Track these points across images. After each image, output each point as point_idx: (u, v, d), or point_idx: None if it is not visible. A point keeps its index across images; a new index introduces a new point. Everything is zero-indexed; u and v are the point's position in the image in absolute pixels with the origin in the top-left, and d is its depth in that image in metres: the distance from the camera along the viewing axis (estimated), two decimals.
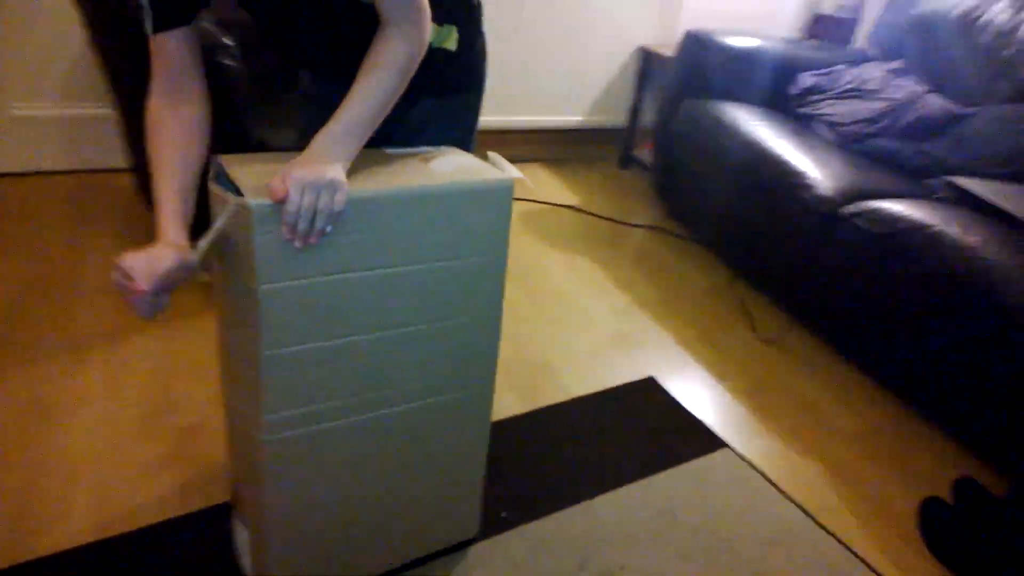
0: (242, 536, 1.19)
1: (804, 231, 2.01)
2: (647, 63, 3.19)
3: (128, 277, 0.87)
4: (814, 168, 2.07)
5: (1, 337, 1.71)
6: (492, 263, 1.09)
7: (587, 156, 3.41)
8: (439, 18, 1.10)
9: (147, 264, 0.87)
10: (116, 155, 2.51)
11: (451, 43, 1.17)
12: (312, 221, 0.87)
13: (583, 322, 2.10)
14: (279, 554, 1.10)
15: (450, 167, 1.06)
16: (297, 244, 0.89)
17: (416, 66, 0.99)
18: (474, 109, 1.33)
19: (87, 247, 2.10)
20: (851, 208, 1.91)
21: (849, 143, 2.40)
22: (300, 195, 0.86)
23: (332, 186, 0.88)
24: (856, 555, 1.42)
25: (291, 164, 0.90)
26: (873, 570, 1.39)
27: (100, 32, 1.84)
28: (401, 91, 0.98)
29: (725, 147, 2.32)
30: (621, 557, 1.37)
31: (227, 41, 1.66)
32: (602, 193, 3.05)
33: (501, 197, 1.06)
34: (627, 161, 3.38)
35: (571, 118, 3.23)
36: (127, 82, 1.83)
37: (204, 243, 0.93)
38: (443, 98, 1.25)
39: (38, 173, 2.46)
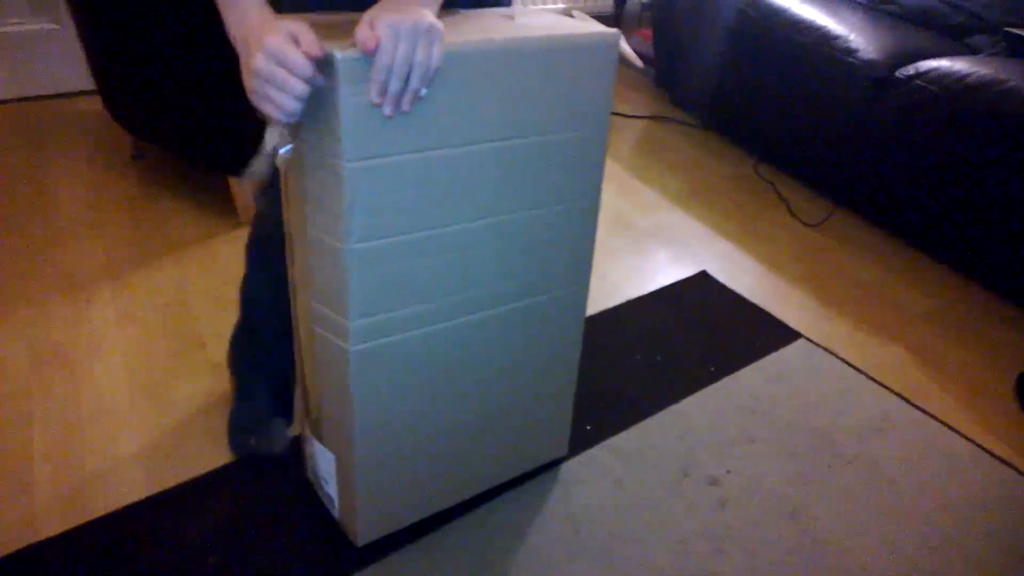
0: (324, 460, 1.03)
1: (849, 101, 1.86)
2: None
3: (284, 61, 0.68)
4: (855, 31, 1.91)
5: None
6: (594, 138, 0.93)
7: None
8: None
9: (296, 33, 0.69)
10: (68, 77, 2.20)
11: None
12: (407, 79, 0.70)
13: (617, 221, 1.94)
14: (370, 477, 0.97)
15: (541, 23, 0.88)
16: (387, 111, 0.72)
17: None
18: None
19: (57, 178, 1.84)
20: (908, 69, 1.76)
21: (879, 4, 2.23)
22: (394, 44, 0.68)
23: (430, 33, 0.70)
24: (963, 436, 1.34)
25: (378, 8, 0.71)
26: (985, 450, 1.31)
27: None
28: None
29: (747, 18, 2.13)
30: (722, 460, 1.26)
31: None
32: None
33: (607, 55, 0.89)
34: None
35: (552, 6, 2.97)
36: None
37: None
38: None
39: None
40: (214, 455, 1.17)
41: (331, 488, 1.05)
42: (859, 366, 1.50)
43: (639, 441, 1.29)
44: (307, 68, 0.68)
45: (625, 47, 0.89)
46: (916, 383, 1.47)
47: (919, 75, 1.73)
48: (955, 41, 2.03)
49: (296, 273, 0.92)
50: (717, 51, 2.30)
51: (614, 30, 0.89)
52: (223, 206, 1.78)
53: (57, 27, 2.13)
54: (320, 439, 1.02)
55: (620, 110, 2.61)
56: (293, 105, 0.70)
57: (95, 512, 1.07)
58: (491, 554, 1.07)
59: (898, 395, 1.43)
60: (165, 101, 1.62)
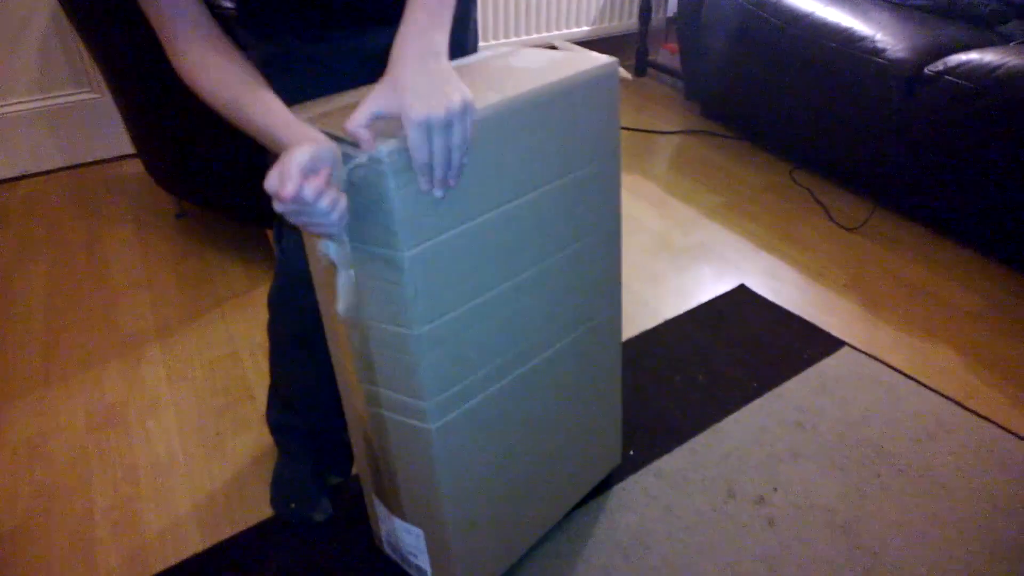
0: (409, 535, 1.02)
1: (881, 101, 1.83)
2: None
3: (289, 191, 0.65)
4: (881, 30, 1.88)
5: (48, 347, 1.56)
6: (608, 169, 0.95)
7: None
8: None
9: (287, 164, 0.66)
10: (112, 142, 2.31)
11: None
12: (449, 161, 0.69)
13: (652, 240, 1.94)
14: (464, 543, 0.97)
15: (536, 63, 0.90)
16: (437, 193, 0.72)
17: None
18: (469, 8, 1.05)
19: (107, 242, 1.93)
20: (937, 66, 1.73)
21: (904, 0, 2.19)
22: (429, 141, 0.67)
23: (464, 115, 0.67)
24: (1020, 437, 1.30)
25: (402, 90, 0.67)
26: None
27: (84, 11, 1.62)
28: None
29: (772, 26, 2.12)
30: (769, 478, 1.24)
31: None
32: (626, 105, 2.85)
33: (609, 84, 0.90)
34: (643, 67, 3.17)
35: (578, 30, 2.99)
36: (118, 52, 1.63)
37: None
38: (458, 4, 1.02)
39: (32, 175, 2.27)
40: (268, 506, 1.20)
41: (421, 561, 1.04)
42: (907, 371, 1.46)
43: (683, 463, 1.27)
44: (328, 215, 0.67)
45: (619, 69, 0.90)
46: (968, 385, 1.42)
47: (948, 70, 1.69)
48: (986, 30, 1.98)
49: (353, 360, 0.90)
50: (744, 61, 2.29)
51: (612, 59, 0.90)
52: (265, 257, 1.84)
53: (98, 96, 2.24)
54: (403, 517, 1.00)
55: (652, 127, 2.61)
56: (334, 219, 0.69)
57: (156, 568, 1.11)
58: None
59: (950, 399, 1.38)
60: (201, 161, 1.69)
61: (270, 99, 0.75)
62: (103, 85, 2.20)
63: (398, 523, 1.02)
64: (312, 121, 0.76)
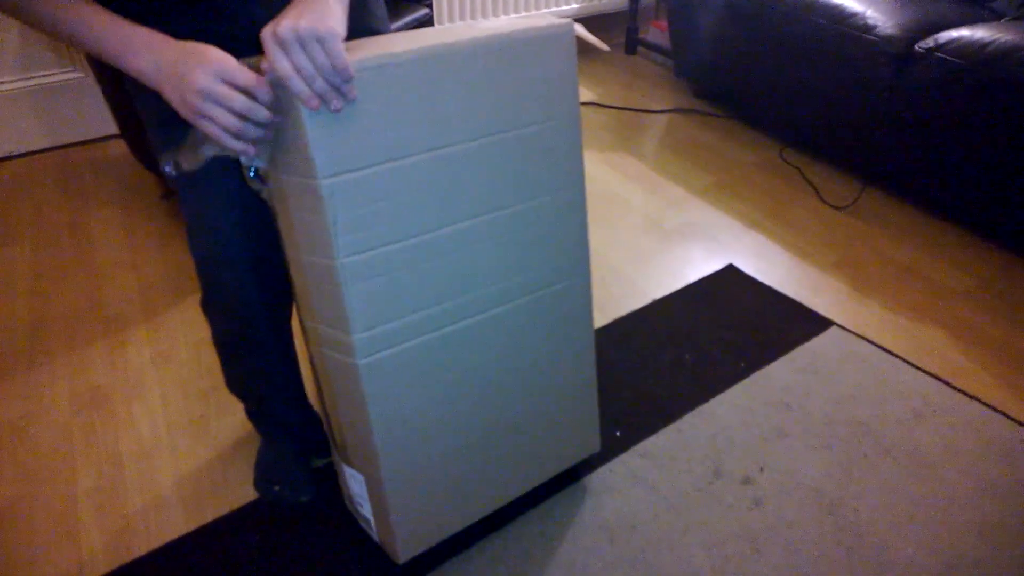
0: (355, 482, 1.05)
1: (871, 78, 1.82)
2: None
3: (224, 95, 0.71)
4: (871, 7, 1.86)
5: (33, 328, 1.54)
6: (564, 126, 0.95)
7: (590, 47, 3.16)
8: None
9: (221, 75, 0.71)
10: (96, 122, 2.28)
11: None
12: (316, 79, 0.71)
13: (641, 220, 1.93)
14: (400, 491, 0.98)
15: (500, 24, 0.91)
16: (312, 104, 0.72)
17: None
18: None
19: (92, 223, 1.91)
20: (927, 42, 1.71)
21: None
22: (285, 55, 0.70)
23: (320, 35, 0.70)
24: (1008, 416, 1.30)
25: (280, 16, 0.72)
26: None
27: None
28: None
29: (760, 3, 2.10)
30: (756, 457, 1.24)
31: None
32: (616, 84, 2.82)
33: (564, 46, 0.91)
34: (633, 45, 3.14)
35: (567, 8, 2.96)
36: None
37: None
38: None
39: (17, 156, 2.24)
40: (252, 489, 1.20)
41: (366, 510, 1.06)
42: (896, 351, 1.46)
43: (670, 444, 1.27)
44: (252, 80, 0.71)
45: (584, 33, 0.92)
46: (957, 365, 1.42)
47: (939, 47, 1.68)
48: (977, 6, 1.97)
49: (298, 300, 0.94)
50: (733, 39, 2.27)
51: (567, 20, 0.91)
52: None
53: (82, 75, 2.20)
54: (349, 463, 1.03)
55: (641, 106, 2.59)
56: (254, 139, 0.73)
57: (140, 550, 1.11)
58: (527, 569, 1.07)
59: (938, 378, 1.38)
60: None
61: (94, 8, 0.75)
62: (87, 65, 2.16)
63: (346, 470, 1.04)
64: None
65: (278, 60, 0.70)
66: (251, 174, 0.84)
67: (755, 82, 2.24)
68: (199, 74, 0.70)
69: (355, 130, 0.78)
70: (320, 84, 0.71)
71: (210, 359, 1.47)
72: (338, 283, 0.83)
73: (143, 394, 1.39)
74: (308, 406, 1.19)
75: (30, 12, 0.75)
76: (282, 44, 0.69)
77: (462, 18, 2.65)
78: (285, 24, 0.69)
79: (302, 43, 0.69)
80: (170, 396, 1.38)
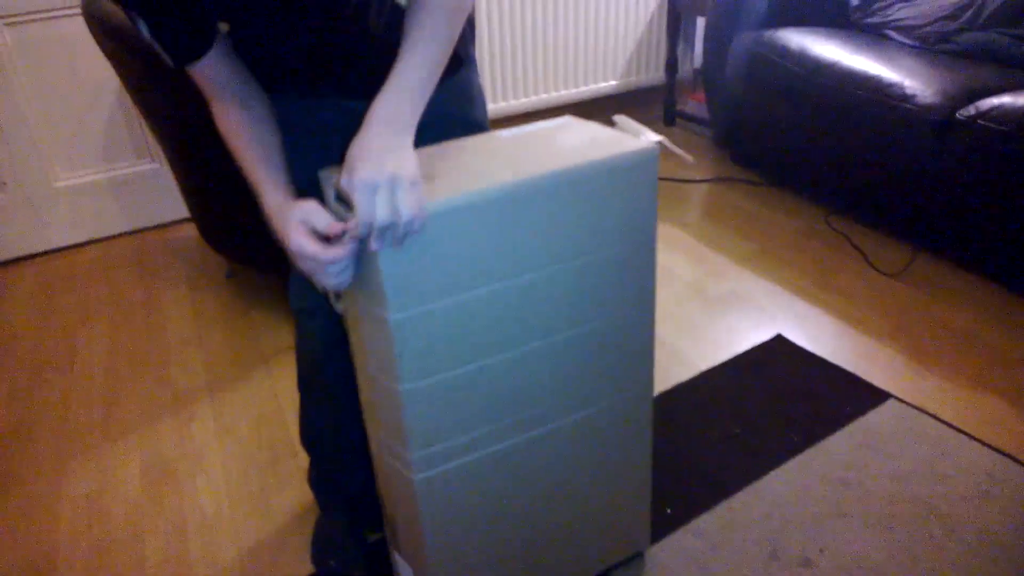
0: (405, 571, 1.07)
1: (914, 146, 1.83)
2: (676, 10, 3.00)
3: (312, 254, 0.77)
4: (909, 76, 1.88)
5: (107, 404, 1.63)
6: (639, 250, 0.93)
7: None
8: None
9: (306, 223, 0.77)
10: (170, 208, 2.43)
11: None
12: (395, 224, 0.73)
13: (686, 290, 1.94)
14: None
15: (579, 140, 0.90)
16: (374, 246, 0.75)
17: (469, 5, 0.83)
18: (476, 75, 1.09)
19: (163, 301, 2.02)
20: (969, 110, 1.72)
21: (932, 45, 2.19)
22: (372, 207, 0.71)
23: (406, 184, 0.72)
24: None
25: (352, 158, 0.74)
26: None
27: (136, 83, 1.74)
28: (455, 37, 0.82)
29: (796, 75, 2.14)
30: (814, 538, 1.22)
31: None
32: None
33: (645, 170, 0.88)
34: (672, 117, 3.20)
35: (606, 84, 3.05)
36: (172, 127, 1.73)
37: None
38: (454, 79, 1.01)
39: (98, 240, 2.40)
40: (309, 562, 1.23)
41: None
42: (957, 424, 1.42)
43: (723, 522, 1.26)
44: (330, 256, 0.76)
45: (669, 145, 0.89)
46: (1022, 437, 1.38)
47: (980, 114, 1.68)
48: (1019, 72, 1.97)
49: (364, 405, 0.98)
50: (771, 109, 2.31)
51: (652, 144, 0.87)
52: None
53: (157, 166, 2.37)
54: (399, 550, 1.06)
55: (682, 176, 2.63)
56: (335, 282, 0.78)
57: None
58: None
59: (1003, 453, 1.34)
60: (247, 225, 1.77)
61: (266, 158, 0.86)
62: (162, 156, 2.32)
63: (397, 557, 1.06)
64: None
65: (364, 210, 0.71)
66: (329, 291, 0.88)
67: (796, 150, 2.27)
68: (291, 233, 0.77)
69: (427, 266, 0.78)
70: (397, 234, 0.73)
71: (270, 433, 1.52)
72: (399, 404, 0.85)
73: (207, 467, 1.45)
74: (370, 477, 1.22)
75: (228, 144, 0.89)
76: (367, 190, 0.71)
77: (504, 89, 2.76)
78: (369, 173, 0.71)
79: (387, 193, 0.71)
80: (232, 469, 1.44)
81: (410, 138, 0.77)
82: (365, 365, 0.90)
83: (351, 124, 0.80)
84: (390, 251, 0.76)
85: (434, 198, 0.77)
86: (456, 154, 0.88)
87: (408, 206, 0.72)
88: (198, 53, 0.84)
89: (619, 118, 0.95)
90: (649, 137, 0.90)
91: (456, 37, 0.82)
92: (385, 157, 0.73)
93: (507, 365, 0.89)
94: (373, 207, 0.71)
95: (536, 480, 1.00)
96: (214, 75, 0.87)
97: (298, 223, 0.77)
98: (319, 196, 0.83)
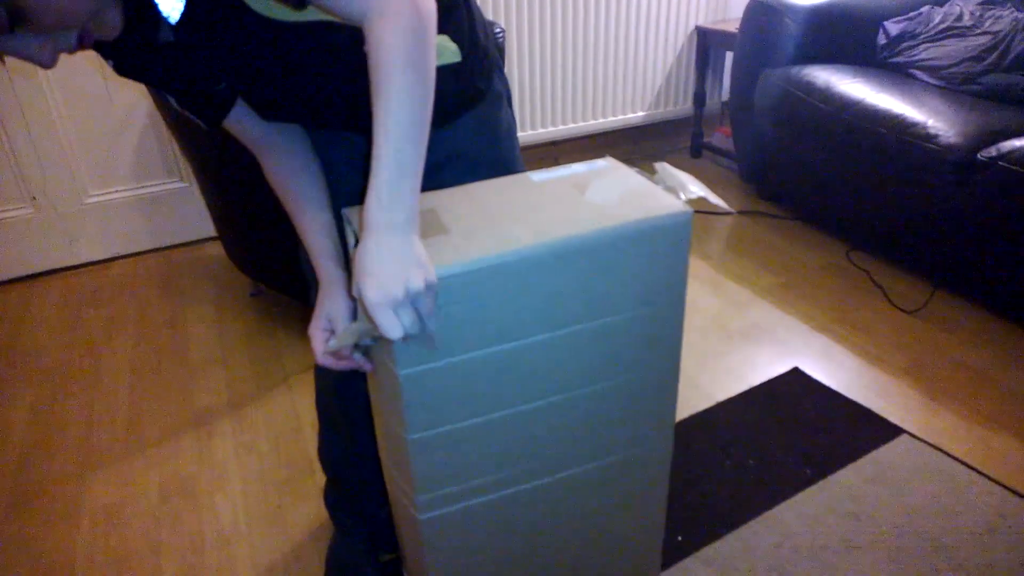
0: None
1: (935, 185, 1.84)
2: (706, 44, 3.05)
3: (325, 364, 0.87)
4: (933, 116, 1.90)
5: (130, 419, 1.67)
6: (668, 311, 0.88)
7: (656, 151, 3.27)
8: None
9: (324, 325, 0.88)
10: (197, 226, 2.50)
11: (449, 55, 0.91)
12: (422, 326, 0.72)
13: (706, 322, 1.96)
14: None
15: (610, 193, 0.85)
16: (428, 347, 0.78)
17: (430, 40, 0.72)
18: (503, 110, 1.05)
19: (188, 319, 2.07)
20: (989, 152, 1.73)
21: (957, 86, 2.21)
22: (395, 314, 0.69)
23: (424, 290, 0.69)
24: None
25: (358, 272, 0.70)
26: None
27: (176, 112, 1.80)
28: (429, 83, 0.73)
29: (822, 112, 2.16)
30: (823, 570, 1.22)
31: None
32: None
33: (678, 233, 0.82)
34: (699, 150, 3.24)
35: (634, 115, 3.10)
36: (202, 148, 1.79)
37: (335, 342, 0.85)
38: (471, 113, 0.99)
39: (125, 256, 2.46)
40: None
41: None
42: (969, 461, 1.42)
43: (733, 551, 1.26)
44: (342, 366, 0.86)
45: (712, 199, 0.84)
46: None
47: (1002, 156, 1.70)
48: None
49: (380, 442, 1.00)
50: (796, 144, 2.33)
51: (687, 207, 0.82)
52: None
53: (186, 185, 2.43)
54: (407, 569, 1.07)
55: (708, 208, 2.65)
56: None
57: None
58: None
59: (1013, 491, 1.34)
60: (272, 244, 1.82)
61: (315, 223, 0.92)
62: (191, 175, 2.39)
63: (405, 570, 1.07)
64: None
65: (390, 330, 0.68)
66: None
67: (820, 185, 2.28)
68: (312, 331, 0.89)
69: (439, 326, 0.76)
70: (422, 334, 0.72)
71: (288, 451, 1.55)
72: (405, 452, 0.85)
73: (225, 484, 1.48)
74: (385, 500, 1.24)
75: (282, 201, 0.96)
76: (384, 311, 0.68)
77: (533, 118, 2.81)
78: (378, 294, 0.67)
79: (405, 308, 0.68)
80: (250, 486, 1.46)
81: (413, 232, 0.71)
82: (380, 410, 0.92)
83: (354, 157, 0.87)
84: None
85: (445, 259, 0.73)
86: (478, 200, 0.85)
87: (429, 311, 0.70)
88: (223, 113, 0.89)
89: (661, 167, 0.90)
90: (689, 190, 0.85)
91: (428, 82, 0.73)
92: (391, 270, 0.68)
93: (520, 418, 0.88)
94: (396, 324, 0.68)
95: (546, 523, 0.99)
96: (243, 130, 0.92)
97: (321, 331, 0.88)
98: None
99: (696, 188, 0.85)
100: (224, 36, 0.78)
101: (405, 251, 0.69)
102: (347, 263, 0.92)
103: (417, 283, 0.68)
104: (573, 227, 0.78)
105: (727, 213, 2.65)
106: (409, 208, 0.71)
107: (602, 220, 0.79)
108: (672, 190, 0.86)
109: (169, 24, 0.75)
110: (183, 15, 0.74)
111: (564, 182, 0.89)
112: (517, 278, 0.77)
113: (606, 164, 0.93)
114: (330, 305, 0.88)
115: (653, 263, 0.83)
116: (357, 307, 0.85)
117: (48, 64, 0.65)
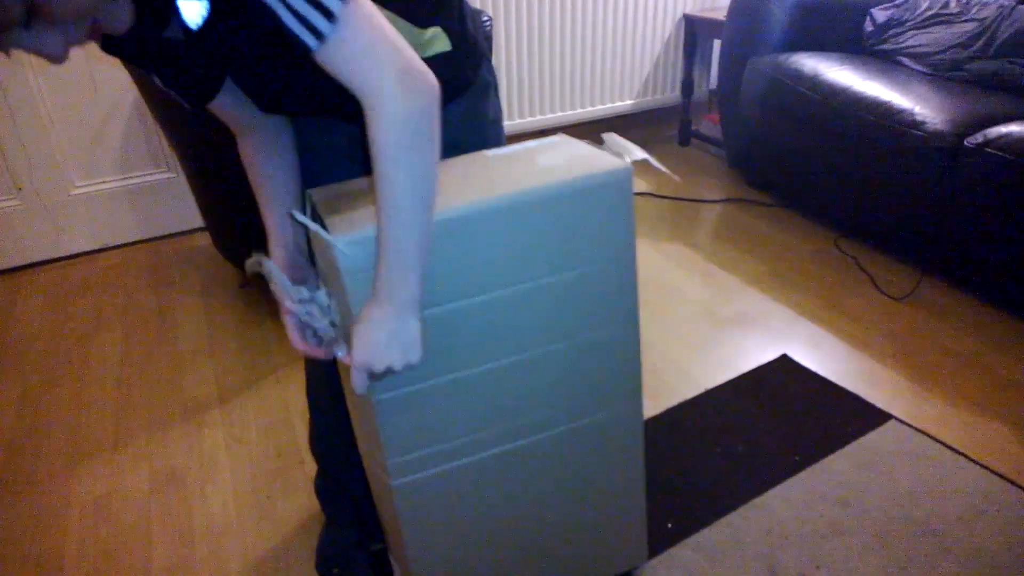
0: (397, 573, 1.10)
1: (922, 172, 1.84)
2: (693, 32, 3.04)
3: (303, 352, 0.93)
4: (920, 103, 1.91)
5: (119, 410, 1.66)
6: (618, 268, 0.93)
7: (645, 139, 3.27)
8: (419, 22, 0.90)
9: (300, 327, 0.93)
10: (185, 217, 2.48)
11: (441, 43, 0.93)
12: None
13: (695, 310, 1.96)
14: None
15: (559, 159, 0.92)
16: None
17: (427, 125, 0.74)
18: (490, 99, 1.06)
19: (177, 310, 2.06)
20: (976, 138, 1.74)
21: (944, 72, 2.21)
22: (365, 380, 0.81)
23: (401, 369, 0.80)
24: None
25: (358, 334, 0.79)
26: None
27: (154, 94, 1.79)
28: (429, 165, 0.75)
29: (809, 99, 2.17)
30: (811, 555, 1.23)
31: None
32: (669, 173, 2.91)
33: (619, 188, 0.88)
34: (687, 138, 3.24)
35: (622, 103, 3.09)
36: (189, 138, 1.77)
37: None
38: (458, 102, 1.00)
39: (113, 248, 2.44)
40: (314, 571, 1.25)
41: None
42: (956, 446, 1.43)
43: (723, 537, 1.27)
44: (320, 355, 0.92)
45: (654, 163, 0.88)
46: (1020, 461, 1.39)
47: (988, 142, 1.70)
48: None
49: (352, 416, 1.02)
50: (784, 132, 2.34)
51: (627, 164, 0.88)
52: None
53: (174, 175, 2.41)
54: (390, 551, 1.08)
55: (695, 196, 2.66)
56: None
57: None
58: None
59: (1000, 475, 1.35)
60: (260, 235, 1.81)
61: (280, 207, 0.95)
62: (178, 166, 2.37)
63: (392, 559, 1.09)
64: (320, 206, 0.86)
65: (359, 384, 0.81)
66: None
67: (808, 173, 2.29)
68: (288, 327, 0.93)
69: None
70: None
71: (278, 441, 1.55)
72: (374, 415, 0.87)
73: (215, 475, 1.47)
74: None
75: (251, 182, 0.98)
76: (365, 371, 0.80)
77: (521, 106, 2.81)
78: (372, 359, 0.78)
79: (390, 371, 0.80)
80: (240, 477, 1.46)
81: (412, 313, 0.78)
82: (344, 374, 0.94)
83: (353, 147, 0.86)
84: (356, 269, 0.79)
85: None
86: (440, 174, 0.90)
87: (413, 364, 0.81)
88: (209, 95, 0.88)
89: (608, 136, 0.95)
90: (634, 155, 0.90)
91: (427, 165, 0.75)
92: (380, 348, 0.78)
93: (485, 377, 0.91)
94: (364, 385, 0.81)
95: (521, 490, 1.01)
96: (227, 112, 0.92)
97: (293, 325, 0.91)
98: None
99: (640, 154, 0.91)
100: (238, 42, 0.78)
101: (400, 332, 0.78)
102: (307, 246, 0.96)
103: (397, 365, 0.78)
104: (522, 184, 0.84)
105: (670, 177, 2.66)
106: (411, 288, 0.77)
107: (548, 178, 0.85)
108: (618, 155, 0.91)
109: (184, 25, 0.74)
110: (205, 20, 0.73)
111: (517, 154, 0.94)
112: (470, 234, 0.82)
113: (557, 138, 0.99)
114: (292, 314, 0.92)
115: (599, 217, 0.88)
116: (319, 278, 0.91)
117: (61, 59, 0.65)
